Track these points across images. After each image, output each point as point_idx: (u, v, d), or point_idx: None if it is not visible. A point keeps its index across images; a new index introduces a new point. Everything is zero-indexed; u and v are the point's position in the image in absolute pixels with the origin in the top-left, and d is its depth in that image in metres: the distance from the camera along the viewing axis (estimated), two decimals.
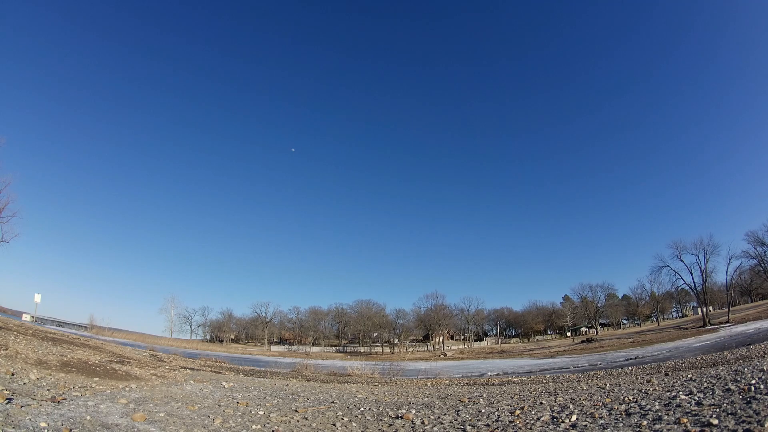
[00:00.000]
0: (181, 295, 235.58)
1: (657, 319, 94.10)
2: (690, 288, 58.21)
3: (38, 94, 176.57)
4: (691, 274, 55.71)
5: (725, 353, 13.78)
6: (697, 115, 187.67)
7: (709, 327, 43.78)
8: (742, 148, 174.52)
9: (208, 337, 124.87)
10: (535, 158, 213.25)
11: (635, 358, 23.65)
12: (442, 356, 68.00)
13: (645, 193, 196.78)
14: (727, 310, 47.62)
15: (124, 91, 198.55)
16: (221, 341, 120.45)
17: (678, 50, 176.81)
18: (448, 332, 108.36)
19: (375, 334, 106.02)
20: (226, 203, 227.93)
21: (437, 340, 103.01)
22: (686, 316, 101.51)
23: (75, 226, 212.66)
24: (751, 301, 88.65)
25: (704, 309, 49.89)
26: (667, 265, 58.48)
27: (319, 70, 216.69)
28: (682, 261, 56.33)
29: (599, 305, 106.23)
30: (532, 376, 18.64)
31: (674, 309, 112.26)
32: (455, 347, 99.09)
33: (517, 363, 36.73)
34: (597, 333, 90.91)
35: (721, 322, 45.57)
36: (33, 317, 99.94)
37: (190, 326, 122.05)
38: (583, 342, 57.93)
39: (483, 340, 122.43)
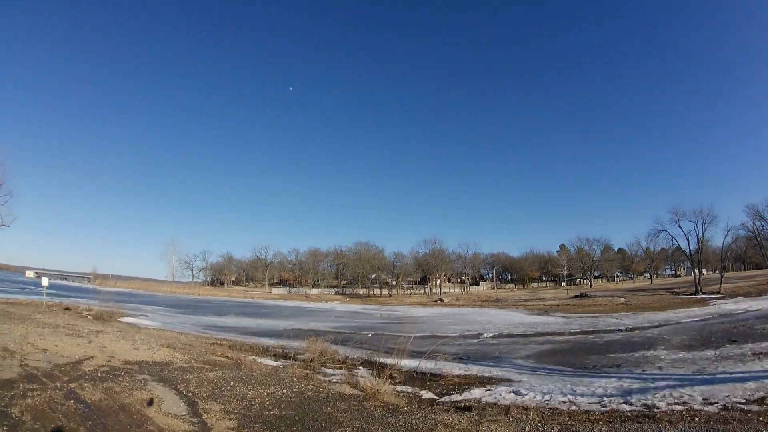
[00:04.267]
0: (182, 240, 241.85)
1: (651, 276, 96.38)
2: (686, 254, 59.24)
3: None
4: (688, 241, 57.14)
5: (709, 354, 14.30)
6: (709, 72, 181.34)
7: (701, 296, 45.03)
8: (750, 118, 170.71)
9: (209, 280, 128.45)
10: (537, 105, 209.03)
11: (626, 330, 24.58)
12: (438, 302, 70.37)
13: (648, 150, 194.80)
14: (719, 282, 48.74)
15: (117, 32, 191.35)
16: (222, 284, 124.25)
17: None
18: (445, 275, 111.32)
19: (373, 276, 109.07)
20: (223, 144, 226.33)
21: (434, 282, 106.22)
22: (679, 276, 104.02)
23: (72, 174, 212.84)
24: (744, 269, 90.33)
25: (697, 278, 51.07)
26: (665, 230, 60.02)
27: (316, 4, 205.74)
28: (680, 227, 57.46)
29: (595, 258, 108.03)
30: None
31: (668, 267, 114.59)
32: (452, 291, 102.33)
33: (512, 318, 37.96)
34: (591, 286, 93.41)
35: (712, 292, 46.76)
36: (37, 273, 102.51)
37: (192, 271, 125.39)
38: (576, 297, 59.67)
39: (479, 284, 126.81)
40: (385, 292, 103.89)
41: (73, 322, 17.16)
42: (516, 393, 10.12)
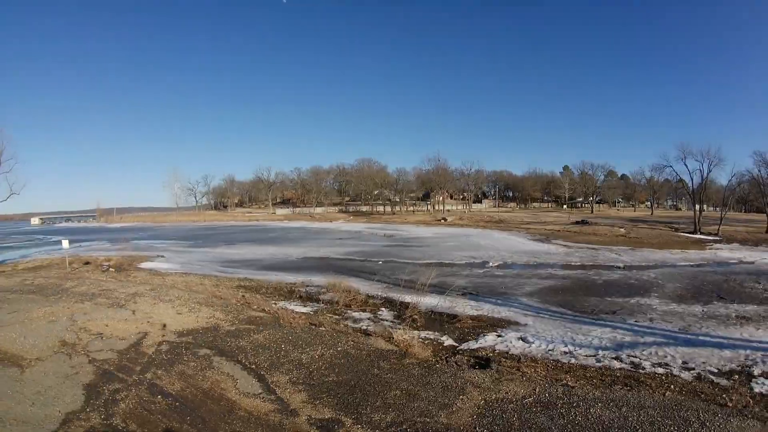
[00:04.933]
0: (183, 167, 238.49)
1: (652, 206, 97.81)
2: (688, 192, 59.83)
3: None
4: (692, 179, 57.18)
5: (697, 310, 15.37)
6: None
7: (699, 237, 46.31)
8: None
9: (212, 204, 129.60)
10: (548, 24, 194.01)
11: (623, 268, 25.93)
12: (442, 221, 72.24)
13: (661, 86, 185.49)
14: (719, 223, 49.64)
15: None
16: (225, 207, 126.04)
17: None
18: (447, 192, 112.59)
19: (376, 192, 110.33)
20: (219, 65, 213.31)
21: (437, 199, 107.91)
22: (680, 209, 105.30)
23: (67, 111, 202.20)
24: (745, 211, 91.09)
25: (698, 218, 52.13)
26: (670, 166, 60.49)
27: None
28: (685, 165, 57.42)
29: (598, 184, 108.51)
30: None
31: (669, 198, 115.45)
32: (454, 209, 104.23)
33: (514, 245, 39.46)
34: (592, 211, 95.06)
35: (710, 233, 47.89)
36: (42, 219, 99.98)
37: (195, 196, 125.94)
38: (577, 223, 61.28)
39: (481, 202, 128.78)
40: (388, 209, 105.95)
41: (103, 283, 17.23)
42: (524, 340, 11.46)
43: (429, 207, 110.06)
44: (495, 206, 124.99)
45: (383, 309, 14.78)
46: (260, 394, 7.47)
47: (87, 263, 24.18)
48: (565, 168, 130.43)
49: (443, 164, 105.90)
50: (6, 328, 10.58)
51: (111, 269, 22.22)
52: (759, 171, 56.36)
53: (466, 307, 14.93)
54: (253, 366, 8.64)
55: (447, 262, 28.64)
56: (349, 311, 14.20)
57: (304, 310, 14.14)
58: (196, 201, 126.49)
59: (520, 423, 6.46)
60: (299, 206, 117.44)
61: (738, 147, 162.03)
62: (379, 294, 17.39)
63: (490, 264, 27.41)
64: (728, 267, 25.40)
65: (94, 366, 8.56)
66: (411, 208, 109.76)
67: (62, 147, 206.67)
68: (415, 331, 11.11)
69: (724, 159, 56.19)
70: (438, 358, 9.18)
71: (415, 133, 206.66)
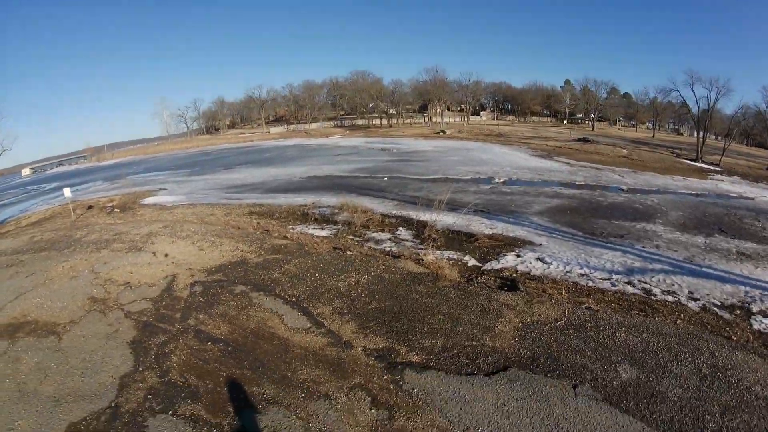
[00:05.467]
0: (172, 95, 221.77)
1: (654, 128, 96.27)
2: (693, 119, 58.91)
3: None
4: (698, 106, 56.12)
5: (700, 241, 15.59)
6: None
7: (701, 165, 46.20)
8: None
9: (204, 128, 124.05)
10: None
11: (627, 191, 26.08)
12: (441, 134, 70.81)
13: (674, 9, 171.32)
14: (721, 154, 49.34)
15: None
16: (217, 130, 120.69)
17: None
18: (445, 104, 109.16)
19: (371, 105, 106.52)
20: None
21: (434, 111, 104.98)
22: (681, 134, 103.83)
23: (45, 54, 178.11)
24: (747, 144, 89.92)
25: (700, 146, 51.81)
26: (677, 90, 58.99)
27: None
28: (692, 91, 55.89)
29: (600, 101, 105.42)
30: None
31: (671, 121, 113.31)
32: (452, 121, 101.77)
33: (517, 160, 39.19)
34: (593, 129, 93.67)
35: (712, 163, 47.76)
36: (33, 169, 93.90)
37: (186, 123, 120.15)
38: (579, 140, 60.71)
39: (479, 114, 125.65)
40: (384, 122, 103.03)
41: (113, 227, 16.41)
42: (542, 261, 11.71)
43: (426, 119, 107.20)
44: (493, 119, 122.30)
45: (401, 228, 14.80)
46: (309, 328, 7.55)
47: (90, 207, 22.96)
48: (567, 82, 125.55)
49: (441, 75, 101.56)
50: (29, 293, 9.90)
51: (116, 210, 21.35)
52: (766, 106, 55.16)
53: (480, 226, 15.06)
54: (294, 299, 8.63)
55: (452, 177, 28.48)
56: (367, 232, 14.20)
57: (323, 233, 14.08)
58: (187, 127, 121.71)
59: (558, 345, 6.76)
60: (293, 123, 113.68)
61: (746, 82, 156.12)
62: (393, 212, 17.32)
63: (496, 180, 27.33)
64: (728, 200, 25.51)
65: (131, 320, 8.23)
66: (408, 121, 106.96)
67: (43, 93, 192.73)
68: (438, 252, 11.24)
69: (733, 90, 54.67)
70: (467, 280, 9.36)
71: (411, 44, 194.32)
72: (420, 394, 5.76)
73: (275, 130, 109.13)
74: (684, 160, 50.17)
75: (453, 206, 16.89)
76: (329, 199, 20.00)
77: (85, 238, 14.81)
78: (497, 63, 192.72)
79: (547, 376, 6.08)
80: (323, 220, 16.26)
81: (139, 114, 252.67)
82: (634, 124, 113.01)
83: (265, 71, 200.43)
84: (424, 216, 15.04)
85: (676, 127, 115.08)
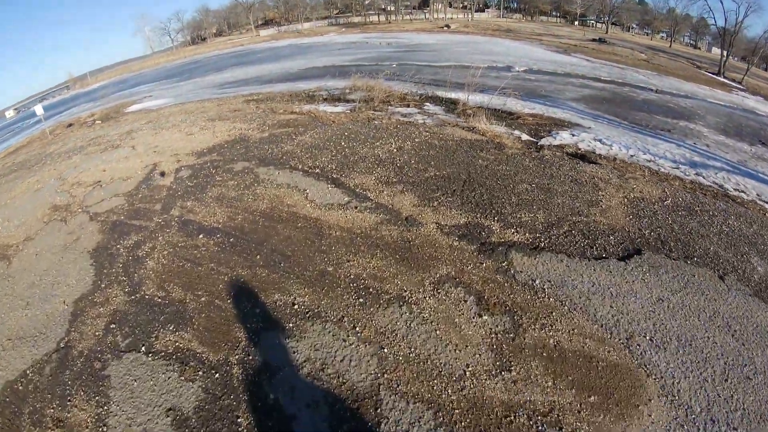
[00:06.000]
0: (151, 9, 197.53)
1: (672, 37, 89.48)
2: (719, 30, 54.36)
3: None
4: (726, 18, 51.58)
5: (746, 148, 13.91)
6: None
7: (722, 80, 42.91)
8: None
9: (189, 39, 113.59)
10: None
11: (656, 92, 23.76)
12: (445, 28, 64.71)
13: None
14: (744, 73, 45.66)
15: None
16: (204, 39, 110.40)
17: None
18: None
19: (367, 1, 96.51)
20: None
21: (435, 7, 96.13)
22: (698, 48, 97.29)
23: None
24: (767, 69, 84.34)
25: (723, 60, 47.98)
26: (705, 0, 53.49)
27: None
28: (721, 2, 50.84)
29: (615, 2, 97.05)
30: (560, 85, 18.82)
31: (687, 35, 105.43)
32: (456, 17, 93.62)
33: (532, 53, 35.71)
34: (607, 32, 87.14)
35: (734, 80, 44.41)
36: (16, 109, 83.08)
37: (170, 36, 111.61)
38: (594, 40, 56.07)
39: (484, 11, 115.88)
40: (383, 19, 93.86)
41: (91, 133, 14.05)
42: (601, 142, 9.85)
43: (427, 15, 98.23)
44: (499, 16, 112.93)
45: (428, 104, 12.44)
46: (349, 203, 5.61)
47: (70, 125, 19.72)
48: None
49: None
50: None
51: (97, 122, 18.10)
52: None
53: (517, 106, 12.88)
54: (317, 170, 6.57)
55: (467, 64, 25.36)
56: (390, 107, 11.88)
57: (338, 109, 11.76)
58: (172, 40, 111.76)
59: (679, 228, 5.14)
60: (284, 25, 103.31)
61: None
62: (415, 91, 14.75)
63: (516, 69, 24.45)
64: (758, 118, 23.18)
65: (98, 223, 6.46)
66: (408, 17, 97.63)
67: (15, 29, 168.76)
68: (485, 123, 9.19)
69: (765, 8, 49.77)
70: (537, 149, 7.47)
71: None
72: (545, 287, 4.09)
73: (265, 32, 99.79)
74: (706, 73, 46.81)
75: (477, 88, 14.56)
76: (336, 83, 17.29)
77: (59, 150, 12.65)
78: None
79: (687, 262, 4.53)
80: (334, 99, 13.71)
81: (122, 36, 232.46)
82: (647, 33, 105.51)
83: None
84: (451, 94, 12.74)
85: (693, 40, 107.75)
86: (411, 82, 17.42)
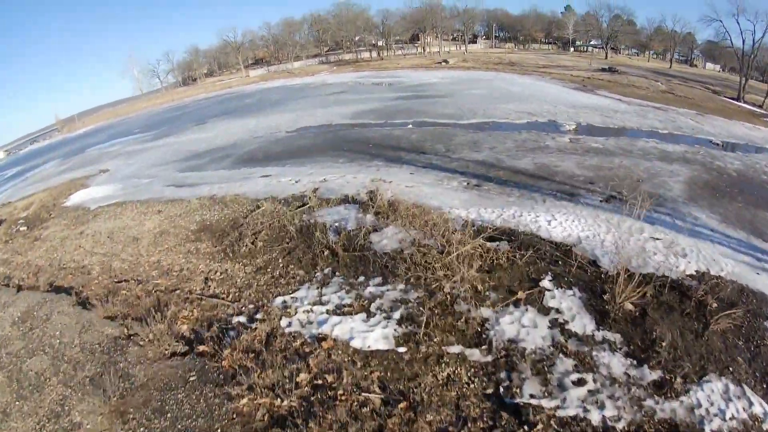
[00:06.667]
0: (141, 49, 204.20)
1: (671, 58, 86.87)
2: (736, 55, 51.63)
3: None
4: (743, 40, 49.20)
5: None
6: None
7: (745, 105, 39.69)
8: None
9: (180, 80, 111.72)
10: None
11: (722, 146, 19.45)
12: (443, 63, 61.35)
13: None
14: (765, 97, 42.20)
15: None
16: (195, 80, 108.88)
17: None
18: (437, 33, 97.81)
19: (357, 38, 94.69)
20: None
21: (426, 41, 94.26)
22: (695, 65, 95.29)
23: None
24: None
25: (742, 84, 45.07)
26: (720, 20, 51.27)
27: None
28: (737, 23, 48.65)
29: (615, 29, 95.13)
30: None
31: (677, 52, 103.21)
32: (448, 51, 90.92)
33: (559, 95, 31.53)
34: (606, 57, 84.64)
35: (755, 104, 41.17)
36: (7, 151, 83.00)
37: (158, 77, 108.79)
38: (604, 71, 52.60)
39: (475, 42, 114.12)
40: (374, 55, 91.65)
41: None
42: None
43: (419, 50, 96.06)
44: (491, 47, 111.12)
45: (548, 282, 6.71)
46: None
47: (2, 221, 15.33)
48: (567, 8, 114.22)
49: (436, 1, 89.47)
50: None
51: (20, 229, 13.64)
52: None
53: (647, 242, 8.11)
54: None
55: (502, 121, 20.91)
56: (481, 308, 6.20)
57: (371, 333, 5.98)
58: (161, 81, 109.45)
59: None
60: (274, 64, 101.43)
61: None
62: (489, 217, 9.12)
63: (565, 127, 19.95)
64: None
65: None
66: (400, 53, 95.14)
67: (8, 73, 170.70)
68: None
69: None
70: None
71: None
72: None
73: (255, 73, 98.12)
74: (725, 98, 43.36)
75: (551, 181, 10.08)
76: (341, 175, 12.57)
77: None
78: None
79: None
80: (352, 261, 7.82)
81: (110, 77, 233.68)
82: (637, 53, 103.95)
83: (238, 12, 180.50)
84: (541, 220, 8.04)
85: (688, 58, 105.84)
86: (461, 175, 12.69)
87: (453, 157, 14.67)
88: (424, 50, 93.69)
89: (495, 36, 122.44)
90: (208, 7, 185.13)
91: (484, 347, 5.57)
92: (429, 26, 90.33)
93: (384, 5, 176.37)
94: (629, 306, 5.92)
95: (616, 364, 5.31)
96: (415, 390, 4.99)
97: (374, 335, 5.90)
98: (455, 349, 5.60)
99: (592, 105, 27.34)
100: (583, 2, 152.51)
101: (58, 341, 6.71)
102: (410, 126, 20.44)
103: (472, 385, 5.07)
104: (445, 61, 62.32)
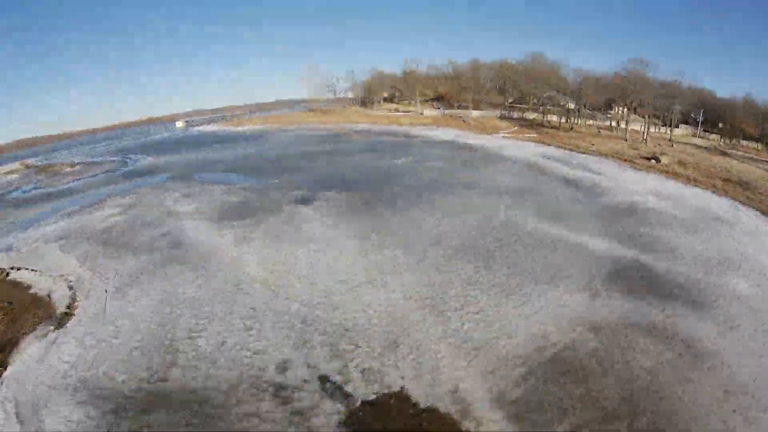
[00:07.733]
0: (321, 60, 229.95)
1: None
2: None
3: None
4: None
5: None
6: None
7: None
8: None
9: (360, 99, 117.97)
10: None
11: None
12: (653, 161, 49.25)
13: None
14: None
15: None
16: (372, 103, 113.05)
17: None
18: (635, 108, 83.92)
19: (545, 95, 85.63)
20: None
21: (620, 114, 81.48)
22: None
23: None
24: None
25: None
26: None
27: None
28: None
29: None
30: None
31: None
32: (642, 129, 76.54)
33: None
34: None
35: None
36: (185, 122, 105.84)
37: (334, 91, 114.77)
38: None
39: (678, 126, 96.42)
40: (562, 120, 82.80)
41: None
42: None
43: (612, 124, 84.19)
44: (695, 134, 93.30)
45: None
46: None
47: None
48: None
49: (644, 67, 76.82)
50: None
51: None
52: None
53: None
54: None
55: None
56: None
57: None
58: (335, 93, 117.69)
59: None
60: (452, 106, 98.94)
61: None
62: None
63: None
64: None
65: None
66: (590, 122, 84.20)
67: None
68: None
69: None
70: None
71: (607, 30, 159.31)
72: None
73: (429, 112, 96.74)
74: None
75: None
76: None
77: None
78: (696, 63, 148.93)
79: None
80: None
81: (281, 76, 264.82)
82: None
83: (424, 42, 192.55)
84: None
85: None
86: None
87: None
88: (617, 125, 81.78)
89: (699, 121, 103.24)
90: (397, 32, 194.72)
91: None
92: (629, 98, 77.95)
93: (577, 64, 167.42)
94: None
95: None
96: None
97: None
98: None
99: None
100: None
101: None
102: None
103: None
104: (656, 159, 50.36)
